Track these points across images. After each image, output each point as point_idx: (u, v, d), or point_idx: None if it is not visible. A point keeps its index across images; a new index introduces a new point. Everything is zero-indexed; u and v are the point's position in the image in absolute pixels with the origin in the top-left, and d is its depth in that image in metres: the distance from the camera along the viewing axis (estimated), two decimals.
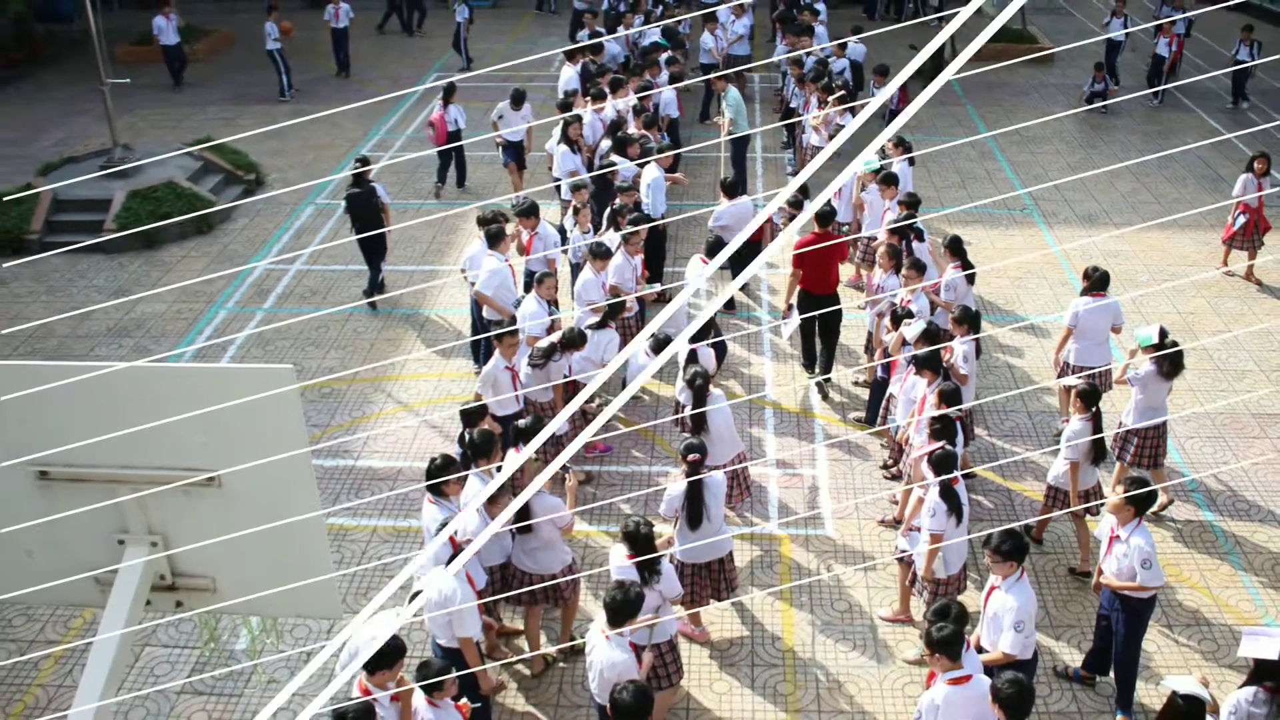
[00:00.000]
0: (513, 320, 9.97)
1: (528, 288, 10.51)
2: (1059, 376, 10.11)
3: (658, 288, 11.69)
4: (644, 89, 15.35)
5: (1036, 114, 18.90)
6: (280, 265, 13.96)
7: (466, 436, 7.98)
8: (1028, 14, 24.33)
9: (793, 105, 16.67)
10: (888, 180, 11.89)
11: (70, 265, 13.87)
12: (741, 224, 11.03)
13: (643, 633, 6.46)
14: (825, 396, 11.06)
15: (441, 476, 7.19)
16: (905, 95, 17.80)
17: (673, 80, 16.19)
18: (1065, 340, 9.97)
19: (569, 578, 7.57)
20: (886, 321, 9.81)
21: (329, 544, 4.32)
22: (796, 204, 12.07)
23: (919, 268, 10.13)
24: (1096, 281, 9.87)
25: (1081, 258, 13.43)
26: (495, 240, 10.63)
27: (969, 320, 9.30)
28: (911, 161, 12.52)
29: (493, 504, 7.43)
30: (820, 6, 20.56)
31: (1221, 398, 10.94)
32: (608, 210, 12.12)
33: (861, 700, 7.56)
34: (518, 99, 14.94)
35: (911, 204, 11.40)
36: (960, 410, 8.39)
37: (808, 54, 17.43)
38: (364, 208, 12.38)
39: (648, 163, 12.84)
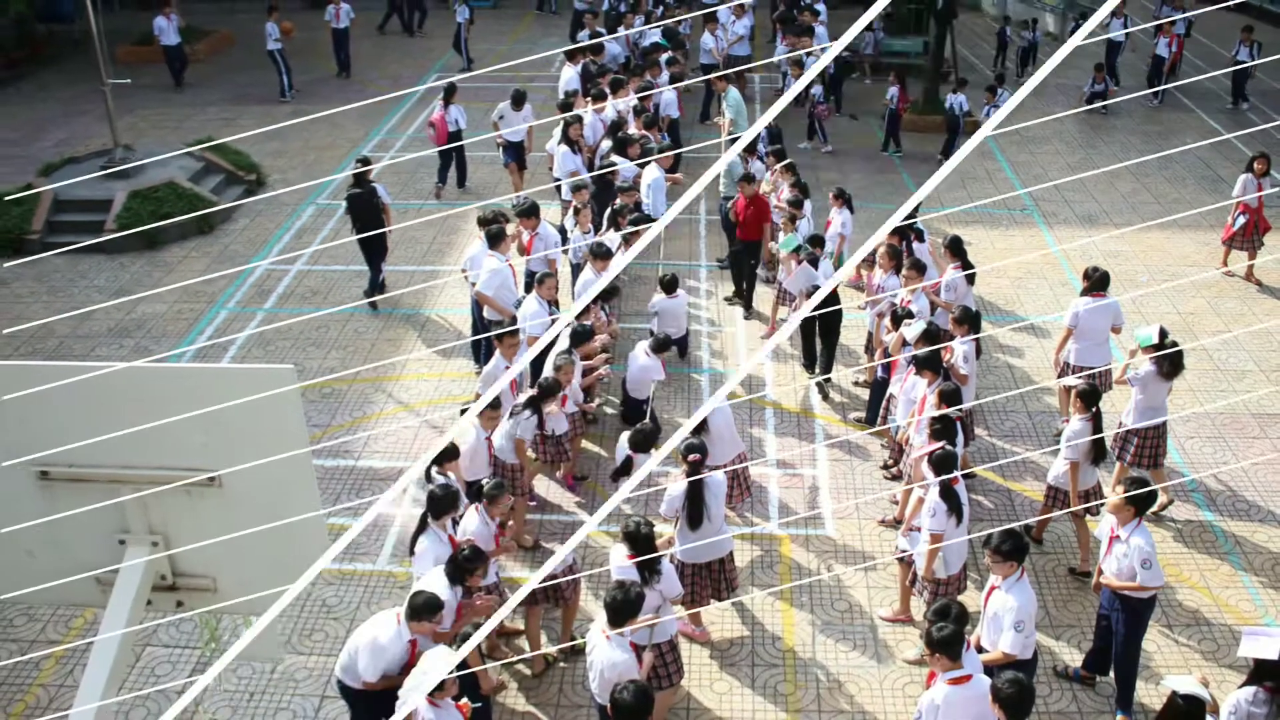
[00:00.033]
0: (513, 320, 9.99)
1: (528, 288, 10.54)
2: (1059, 376, 10.11)
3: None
4: (644, 89, 15.36)
5: (1036, 114, 18.90)
6: (281, 265, 13.97)
7: (431, 474, 7.70)
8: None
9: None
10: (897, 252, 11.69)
11: (71, 265, 13.88)
12: (674, 319, 11.13)
13: (643, 633, 6.47)
14: (825, 396, 11.07)
15: (445, 506, 7.19)
16: (905, 95, 17.84)
17: (673, 81, 16.20)
18: (1065, 340, 9.97)
19: (569, 577, 7.58)
20: (887, 322, 9.82)
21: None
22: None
23: (919, 268, 10.15)
24: (1096, 282, 9.87)
25: (1081, 258, 13.43)
26: (496, 240, 10.64)
27: (969, 320, 9.32)
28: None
29: (492, 504, 7.46)
30: (820, 7, 20.59)
31: (1221, 398, 10.94)
32: (608, 210, 12.14)
33: (862, 700, 7.57)
34: (518, 99, 14.95)
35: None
36: (960, 410, 8.40)
37: (808, 54, 17.46)
38: (365, 208, 12.39)
39: (648, 163, 12.86)
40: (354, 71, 21.99)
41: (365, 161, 12.84)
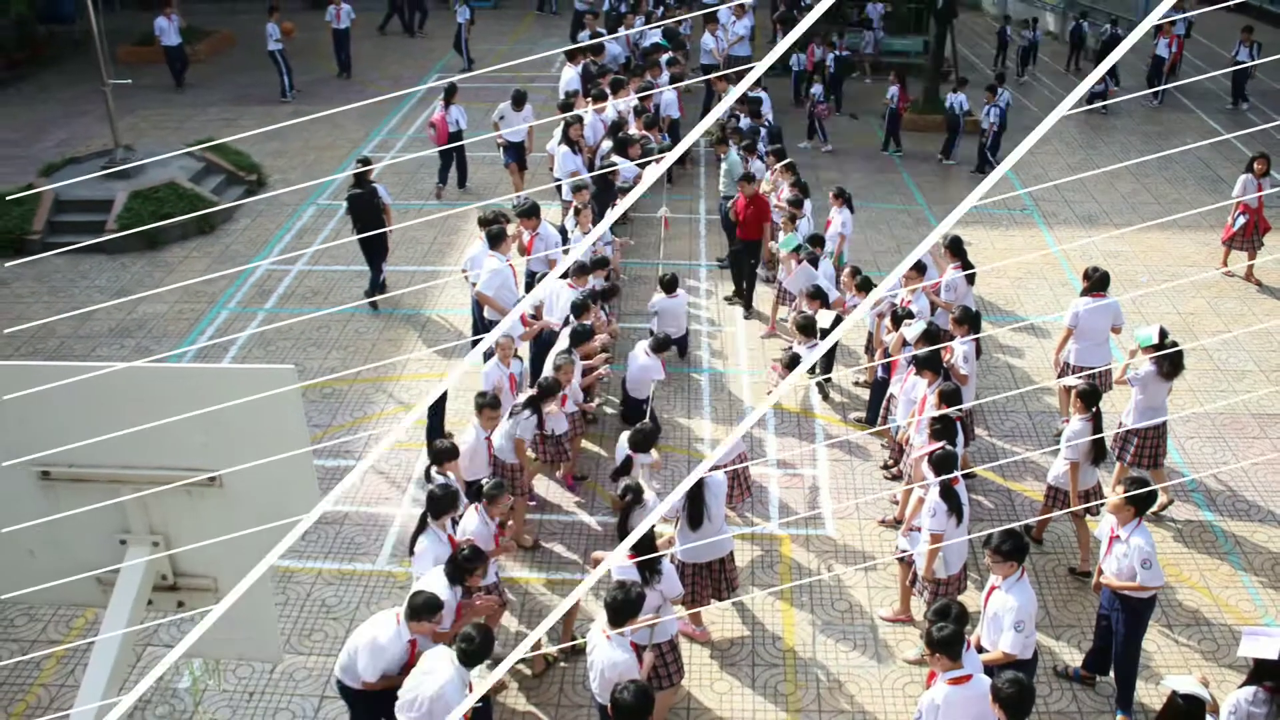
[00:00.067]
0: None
1: (529, 288, 10.55)
2: (1059, 377, 10.11)
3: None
4: (645, 90, 15.37)
5: (1036, 114, 18.89)
6: (282, 266, 13.97)
7: (431, 474, 7.73)
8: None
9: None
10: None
11: (72, 265, 13.88)
12: (674, 318, 11.15)
13: (644, 632, 6.47)
14: (826, 396, 11.08)
15: (444, 506, 7.19)
16: (905, 94, 17.84)
17: (673, 81, 16.21)
18: (1065, 340, 9.98)
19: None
20: (887, 322, 9.83)
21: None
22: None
23: (919, 268, 10.16)
24: (1096, 282, 9.88)
25: (1081, 258, 13.43)
26: (496, 241, 10.65)
27: (969, 320, 9.32)
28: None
29: (492, 504, 7.47)
30: None
31: (1221, 398, 10.94)
32: (608, 211, 12.15)
33: (862, 700, 7.57)
34: (519, 100, 14.96)
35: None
36: (960, 410, 8.41)
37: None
38: (365, 208, 12.40)
39: (649, 163, 12.87)
40: (355, 72, 22.01)
41: (366, 162, 12.85)
